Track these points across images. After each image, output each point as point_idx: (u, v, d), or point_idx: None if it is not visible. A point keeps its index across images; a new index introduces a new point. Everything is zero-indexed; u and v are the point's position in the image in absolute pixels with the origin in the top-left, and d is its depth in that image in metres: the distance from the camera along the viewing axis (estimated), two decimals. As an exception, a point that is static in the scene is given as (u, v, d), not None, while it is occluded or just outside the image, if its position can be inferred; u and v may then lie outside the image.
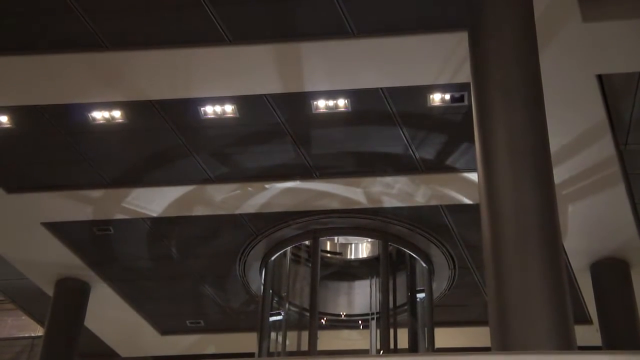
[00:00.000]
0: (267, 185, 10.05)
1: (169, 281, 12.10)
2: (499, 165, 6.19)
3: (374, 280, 11.52)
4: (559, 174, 9.21)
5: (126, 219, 10.63)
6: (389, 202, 10.26)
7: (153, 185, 10.08)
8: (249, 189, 10.08)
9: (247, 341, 12.65)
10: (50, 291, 11.93)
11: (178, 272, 11.86)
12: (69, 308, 11.82)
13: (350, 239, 11.79)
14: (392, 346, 10.47)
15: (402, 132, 9.17)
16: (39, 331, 15.13)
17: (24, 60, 8.25)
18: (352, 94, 8.69)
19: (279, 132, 9.19)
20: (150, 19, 7.89)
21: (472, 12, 7.05)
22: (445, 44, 7.87)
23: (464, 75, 7.88)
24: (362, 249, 12.00)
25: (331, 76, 8.38)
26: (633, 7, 7.58)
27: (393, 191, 10.05)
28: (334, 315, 11.84)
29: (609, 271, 10.81)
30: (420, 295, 11.16)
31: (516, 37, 6.73)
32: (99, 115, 9.01)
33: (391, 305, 10.79)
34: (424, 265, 11.14)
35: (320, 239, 10.98)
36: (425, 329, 10.89)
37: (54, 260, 11.42)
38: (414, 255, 11.09)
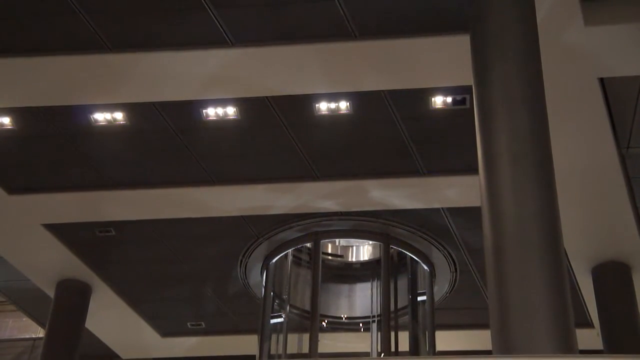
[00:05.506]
0: (268, 187, 10.04)
1: (170, 283, 12.09)
2: (501, 168, 6.19)
3: (375, 283, 11.50)
4: (561, 176, 9.19)
5: (127, 220, 10.63)
6: (390, 205, 10.24)
7: (155, 186, 10.08)
8: (251, 191, 10.08)
9: (248, 343, 12.64)
10: (51, 292, 11.92)
11: (179, 274, 11.85)
12: (70, 309, 11.81)
13: (352, 241, 11.77)
14: (393, 349, 10.45)
15: (404, 134, 9.17)
16: (40, 332, 15.13)
17: (26, 61, 8.26)
18: (354, 97, 8.69)
19: (280, 134, 9.19)
20: (153, 21, 7.89)
21: (474, 15, 7.05)
22: (447, 46, 7.87)
23: (466, 78, 7.86)
24: (363, 251, 11.99)
25: (333, 78, 8.38)
26: (635, 10, 7.58)
27: (394, 193, 10.04)
28: (335, 317, 11.81)
29: (611, 275, 10.78)
30: (422, 298, 11.15)
31: (518, 40, 6.73)
32: (100, 116, 9.02)
33: (392, 308, 10.77)
34: (425, 268, 11.12)
35: (322, 241, 10.98)
36: (427, 332, 10.87)
37: (55, 261, 11.42)
38: (416, 258, 11.08)
